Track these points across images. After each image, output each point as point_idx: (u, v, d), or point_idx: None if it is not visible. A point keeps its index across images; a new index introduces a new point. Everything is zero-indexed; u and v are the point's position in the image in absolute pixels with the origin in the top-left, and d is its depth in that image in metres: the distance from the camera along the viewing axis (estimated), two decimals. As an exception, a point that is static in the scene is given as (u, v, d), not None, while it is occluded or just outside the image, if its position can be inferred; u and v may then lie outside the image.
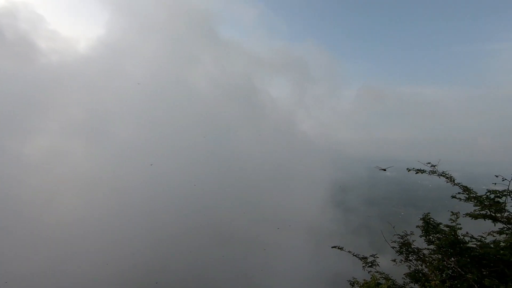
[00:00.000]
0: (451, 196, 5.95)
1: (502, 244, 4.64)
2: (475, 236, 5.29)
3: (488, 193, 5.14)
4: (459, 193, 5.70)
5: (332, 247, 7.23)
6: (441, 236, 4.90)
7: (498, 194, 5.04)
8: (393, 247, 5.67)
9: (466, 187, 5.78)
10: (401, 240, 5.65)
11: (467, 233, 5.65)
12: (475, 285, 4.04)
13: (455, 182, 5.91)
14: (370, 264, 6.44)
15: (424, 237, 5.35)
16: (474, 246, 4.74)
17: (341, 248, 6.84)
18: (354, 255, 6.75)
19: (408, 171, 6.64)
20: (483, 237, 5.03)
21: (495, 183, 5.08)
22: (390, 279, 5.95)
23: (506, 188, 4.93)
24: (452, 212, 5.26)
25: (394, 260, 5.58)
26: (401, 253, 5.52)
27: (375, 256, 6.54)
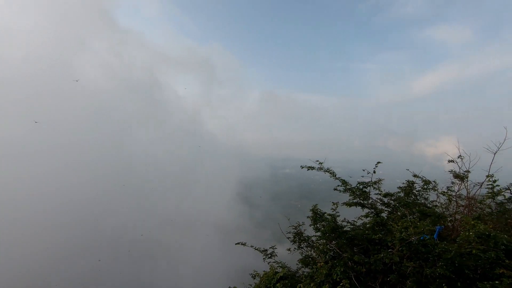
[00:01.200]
0: (333, 189, 7.02)
1: (367, 225, 5.76)
2: (350, 220, 6.38)
3: (358, 185, 6.29)
4: (338, 185, 6.78)
5: (236, 244, 7.46)
6: (325, 224, 5.68)
7: (364, 185, 6.24)
8: (288, 238, 6.25)
9: (344, 180, 6.92)
10: (295, 231, 6.29)
11: (344, 219, 6.75)
12: (348, 262, 4.84)
13: (336, 176, 7.00)
14: (269, 256, 6.94)
15: (313, 226, 6.09)
16: (349, 229, 5.69)
17: (244, 244, 7.13)
18: (256, 249, 7.15)
19: (302, 168, 7.47)
20: (355, 221, 6.12)
21: (363, 176, 6.26)
22: (286, 266, 6.55)
23: (370, 180, 6.15)
24: (333, 202, 6.18)
25: (289, 249, 6.16)
26: (294, 242, 6.14)
27: (274, 247, 7.09)
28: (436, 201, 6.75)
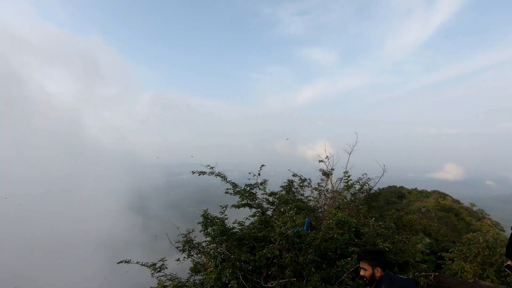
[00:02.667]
0: (225, 192, 7.19)
1: (253, 224, 6.13)
2: (239, 221, 6.65)
3: (245, 187, 6.65)
4: (229, 188, 6.98)
5: (118, 263, 6.61)
6: (215, 228, 5.72)
7: (251, 187, 6.65)
8: (177, 247, 5.97)
9: (233, 183, 7.17)
10: (185, 239, 6.07)
11: (235, 220, 6.98)
12: (237, 262, 5.01)
13: (227, 180, 7.19)
14: (158, 270, 6.45)
15: (203, 231, 6.03)
16: (238, 230, 5.91)
17: (128, 262, 6.39)
18: (142, 265, 6.52)
19: (193, 173, 7.32)
20: (243, 222, 6.41)
21: (249, 179, 6.66)
22: (176, 278, 6.23)
23: (256, 181, 6.61)
24: (221, 206, 6.30)
25: (178, 260, 5.90)
26: (184, 251, 5.92)
27: (164, 259, 6.64)
28: (310, 196, 7.83)
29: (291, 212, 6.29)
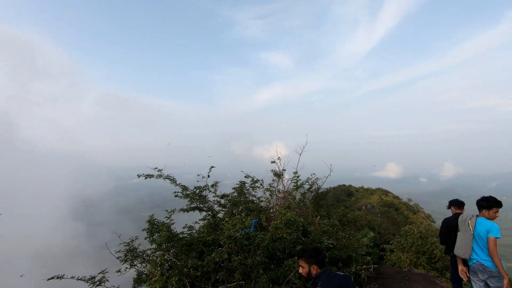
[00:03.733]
0: (174, 196, 6.85)
1: (202, 229, 5.93)
2: (189, 225, 6.38)
3: (195, 190, 6.41)
4: (178, 192, 6.67)
5: (48, 279, 5.86)
6: (162, 234, 5.39)
7: (201, 189, 6.44)
8: (118, 257, 5.50)
9: (184, 186, 6.88)
10: (127, 247, 5.63)
11: (186, 225, 6.70)
12: (184, 269, 4.77)
13: (177, 183, 6.87)
14: (98, 283, 5.86)
15: (148, 238, 5.66)
16: (186, 235, 5.65)
17: (60, 277, 5.70)
18: (78, 279, 5.88)
19: (138, 177, 6.85)
20: (193, 226, 6.17)
21: (198, 181, 6.45)
22: (117, 291, 5.74)
23: (206, 184, 6.42)
24: (166, 210, 5.98)
25: (119, 271, 5.44)
26: (125, 260, 5.47)
27: (105, 271, 6.06)
28: (262, 196, 7.86)
29: (242, 214, 6.23)
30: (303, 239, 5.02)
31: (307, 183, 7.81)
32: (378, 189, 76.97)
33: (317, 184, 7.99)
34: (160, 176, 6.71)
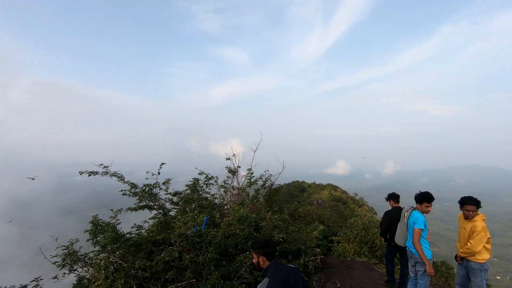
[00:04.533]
0: (122, 194, 6.44)
1: (152, 228, 5.70)
2: (137, 225, 6.08)
3: (144, 187, 6.12)
4: (125, 190, 6.29)
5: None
6: (106, 235, 5.05)
7: (151, 187, 6.17)
8: (55, 263, 5.02)
9: (133, 184, 6.51)
10: (66, 251, 5.16)
11: (135, 224, 6.36)
12: (131, 271, 4.54)
13: (125, 180, 6.47)
14: None
15: (92, 240, 5.25)
16: (133, 235, 5.37)
17: (-19, 288, 5.00)
18: (4, 290, 5.23)
19: (81, 174, 6.31)
20: (142, 225, 5.90)
21: (147, 178, 6.17)
22: (54, 299, 5.25)
23: (156, 181, 6.17)
24: (112, 210, 5.63)
25: (55, 277, 4.96)
26: (64, 266, 5.01)
27: (39, 279, 5.47)
28: (216, 193, 7.81)
29: (194, 211, 6.13)
30: (255, 234, 5.12)
31: (261, 179, 7.97)
32: (328, 185, 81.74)
33: (271, 181, 8.19)
34: (106, 173, 6.27)
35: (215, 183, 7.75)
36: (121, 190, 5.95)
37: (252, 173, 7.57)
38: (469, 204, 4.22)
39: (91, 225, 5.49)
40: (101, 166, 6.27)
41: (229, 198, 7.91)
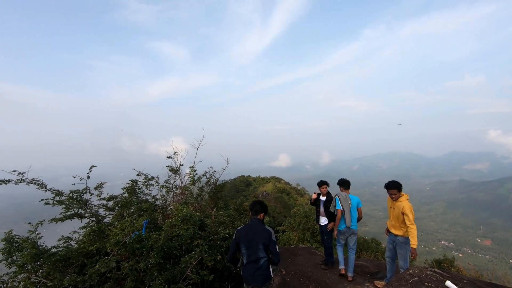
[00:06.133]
0: (44, 203, 5.62)
1: (82, 238, 5.13)
2: (65, 237, 5.39)
3: (71, 194, 5.45)
4: (49, 199, 5.52)
5: None
6: (26, 252, 4.36)
7: (80, 193, 5.53)
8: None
9: (58, 191, 5.73)
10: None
11: (62, 236, 5.62)
12: (58, 289, 4.01)
13: (47, 188, 5.67)
14: None
15: (5, 261, 4.48)
16: (61, 249, 4.75)
17: None
18: None
19: None
20: (70, 237, 5.25)
21: (73, 184, 5.51)
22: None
23: (86, 186, 5.55)
24: (30, 223, 4.89)
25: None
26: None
27: None
28: (158, 194, 7.40)
29: (134, 215, 5.70)
30: (200, 233, 5.00)
31: (205, 176, 7.81)
32: (272, 178, 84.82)
33: (215, 177, 8.09)
34: (22, 181, 5.41)
35: (156, 184, 7.33)
36: (42, 199, 5.19)
37: (195, 171, 7.35)
38: (390, 188, 4.82)
39: (4, 243, 4.67)
40: (14, 173, 5.38)
41: (172, 198, 7.57)
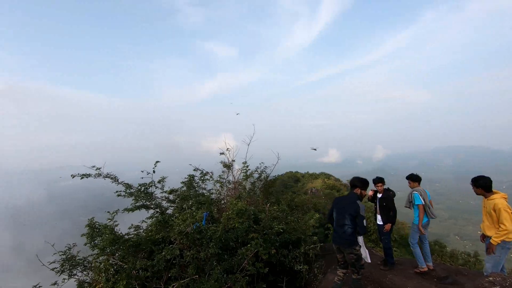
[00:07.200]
0: (117, 195, 6.35)
1: (150, 227, 5.65)
2: (135, 225, 6.02)
3: (139, 187, 6.04)
4: (121, 191, 6.21)
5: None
6: (105, 237, 4.99)
7: (146, 186, 6.10)
8: (54, 269, 4.93)
9: (127, 184, 6.42)
10: (64, 256, 5.07)
11: (132, 224, 6.30)
12: (132, 271, 4.50)
13: (119, 181, 6.38)
14: None
15: (89, 244, 5.18)
16: (132, 236, 5.32)
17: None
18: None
19: (73, 177, 6.19)
20: (139, 226, 5.84)
21: (142, 178, 6.09)
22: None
23: (151, 180, 6.10)
24: (108, 212, 5.55)
25: (55, 283, 4.88)
26: (63, 271, 4.93)
27: (37, 286, 5.37)
28: (212, 189, 7.78)
29: (192, 208, 6.09)
30: (254, 226, 5.13)
31: (256, 172, 7.97)
32: (322, 174, 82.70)
33: (266, 173, 8.20)
34: (99, 175, 6.17)
35: (211, 179, 7.71)
36: (116, 192, 5.86)
37: (247, 166, 7.54)
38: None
39: (87, 228, 5.41)
40: (93, 168, 6.16)
41: (226, 193, 7.89)
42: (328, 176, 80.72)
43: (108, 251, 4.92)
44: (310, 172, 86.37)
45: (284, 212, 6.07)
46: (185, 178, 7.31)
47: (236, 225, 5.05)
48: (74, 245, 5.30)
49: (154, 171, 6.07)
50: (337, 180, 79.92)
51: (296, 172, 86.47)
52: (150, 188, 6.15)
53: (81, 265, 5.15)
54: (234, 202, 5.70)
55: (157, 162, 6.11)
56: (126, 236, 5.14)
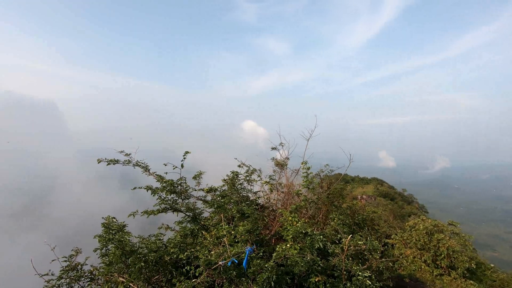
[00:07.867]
0: (147, 190, 5.16)
1: (174, 240, 4.23)
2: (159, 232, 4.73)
3: (164, 185, 4.70)
4: (147, 186, 4.99)
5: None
6: (116, 248, 3.74)
7: (174, 183, 4.73)
8: (49, 281, 3.80)
9: (159, 175, 5.19)
10: (67, 264, 3.94)
11: (162, 224, 5.09)
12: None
13: (150, 171, 5.19)
14: None
15: (100, 250, 4.00)
16: (146, 250, 3.94)
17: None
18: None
19: (99, 162, 5.15)
20: (162, 234, 4.50)
21: (166, 173, 4.71)
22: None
23: (180, 175, 4.70)
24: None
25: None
26: (58, 287, 3.77)
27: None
28: (260, 191, 6.20)
29: (234, 219, 4.54)
30: (320, 264, 3.34)
31: (318, 176, 6.11)
32: (374, 179, 76.39)
33: (329, 178, 6.29)
34: (128, 162, 5.01)
35: (259, 178, 6.12)
36: (146, 187, 4.62)
37: (309, 168, 5.63)
38: None
39: (103, 229, 4.23)
40: (122, 153, 5.03)
41: (275, 197, 6.23)
42: (381, 182, 74.28)
43: (115, 268, 3.65)
44: (361, 176, 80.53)
45: (375, 250, 3.85)
46: (227, 175, 5.82)
47: (294, 257, 3.28)
48: (78, 252, 4.10)
49: (182, 165, 4.61)
50: (391, 187, 73.06)
51: (346, 174, 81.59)
52: (180, 186, 4.75)
53: (87, 277, 3.96)
54: (290, 217, 4.01)
55: (186, 152, 4.62)
56: (140, 249, 3.79)
